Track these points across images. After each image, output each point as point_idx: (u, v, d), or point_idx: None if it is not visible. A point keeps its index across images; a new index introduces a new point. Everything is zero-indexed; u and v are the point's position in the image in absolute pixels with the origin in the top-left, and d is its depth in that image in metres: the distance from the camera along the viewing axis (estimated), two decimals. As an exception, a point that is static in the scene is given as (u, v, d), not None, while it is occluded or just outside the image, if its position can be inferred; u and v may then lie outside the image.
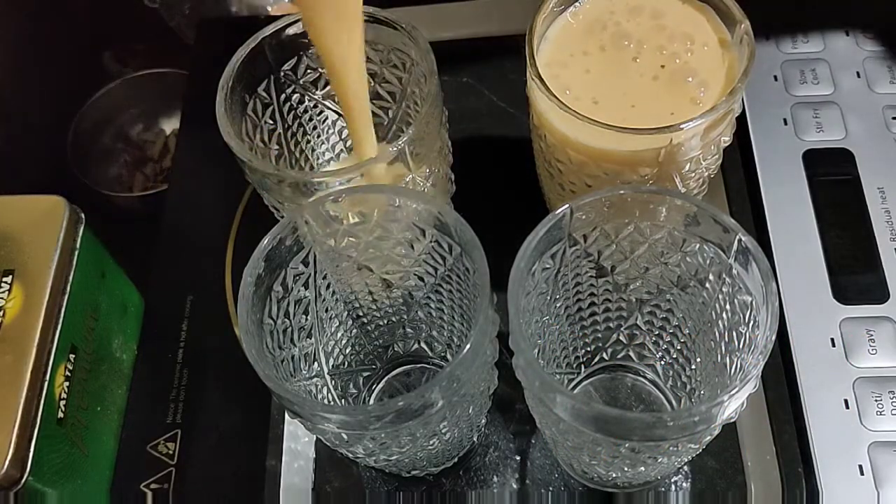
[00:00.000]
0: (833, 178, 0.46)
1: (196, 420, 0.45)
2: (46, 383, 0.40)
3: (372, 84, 0.42)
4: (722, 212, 0.33)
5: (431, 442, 0.36)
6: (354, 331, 0.42)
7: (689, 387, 0.40)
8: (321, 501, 0.43)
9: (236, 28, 0.60)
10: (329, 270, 0.38)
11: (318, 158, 0.45)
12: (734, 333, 0.34)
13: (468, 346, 0.31)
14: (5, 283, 0.42)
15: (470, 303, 0.37)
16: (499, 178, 0.49)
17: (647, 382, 0.43)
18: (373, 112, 0.39)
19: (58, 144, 0.68)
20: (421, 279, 0.39)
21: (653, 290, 0.38)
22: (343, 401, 0.42)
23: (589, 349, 0.42)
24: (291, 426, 0.43)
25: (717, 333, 0.36)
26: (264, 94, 0.41)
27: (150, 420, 0.45)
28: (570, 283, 0.37)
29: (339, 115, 0.43)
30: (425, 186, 0.40)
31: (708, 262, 0.34)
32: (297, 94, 0.42)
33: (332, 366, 0.40)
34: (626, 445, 0.32)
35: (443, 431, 0.36)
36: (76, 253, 0.44)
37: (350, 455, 0.36)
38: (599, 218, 0.34)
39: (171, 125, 0.71)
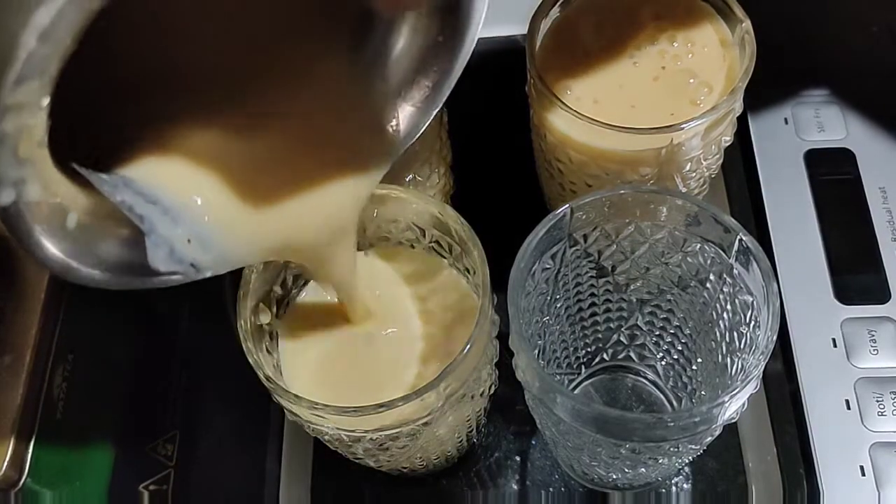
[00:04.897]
0: (834, 177, 0.46)
1: (195, 421, 0.45)
2: (45, 384, 0.40)
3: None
4: (723, 212, 0.33)
5: (431, 443, 0.36)
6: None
7: (689, 387, 0.40)
8: (320, 502, 0.43)
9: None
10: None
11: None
12: (735, 334, 0.34)
13: (468, 346, 0.31)
14: (4, 283, 0.42)
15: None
16: (499, 178, 0.49)
17: (647, 383, 0.43)
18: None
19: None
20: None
21: (653, 290, 0.38)
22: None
23: (589, 349, 0.42)
24: (291, 426, 0.43)
25: (717, 334, 0.36)
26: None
27: (149, 421, 0.45)
28: (570, 284, 0.37)
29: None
30: (425, 186, 0.40)
31: (709, 262, 0.34)
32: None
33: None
34: (627, 446, 0.32)
35: (442, 432, 0.36)
36: (75, 253, 0.44)
37: (349, 455, 0.36)
38: (600, 218, 0.34)
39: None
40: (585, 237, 0.35)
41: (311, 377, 0.35)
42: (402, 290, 0.37)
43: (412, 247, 0.38)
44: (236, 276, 0.35)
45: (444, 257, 0.37)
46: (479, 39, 0.54)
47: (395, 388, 0.34)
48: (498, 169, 0.49)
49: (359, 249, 0.38)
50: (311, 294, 0.37)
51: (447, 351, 0.35)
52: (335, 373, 0.35)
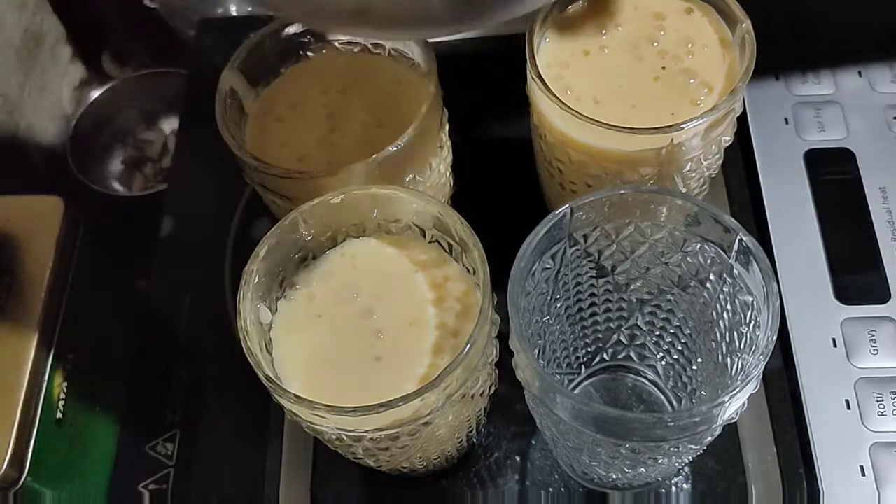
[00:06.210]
0: (834, 177, 0.46)
1: (195, 420, 0.45)
2: (45, 383, 0.40)
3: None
4: (723, 212, 0.33)
5: (431, 443, 0.36)
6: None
7: (689, 387, 0.40)
8: (320, 502, 0.43)
9: (236, 27, 0.60)
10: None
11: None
12: (735, 334, 0.34)
13: (468, 347, 0.31)
14: (5, 282, 0.42)
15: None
16: (499, 178, 0.49)
17: (647, 383, 0.43)
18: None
19: (58, 144, 0.68)
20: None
21: (653, 290, 0.38)
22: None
23: (589, 349, 0.42)
24: (291, 426, 0.43)
25: (717, 334, 0.36)
26: (263, 92, 0.41)
27: (149, 420, 0.45)
28: (570, 284, 0.37)
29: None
30: (425, 186, 0.40)
31: (709, 262, 0.34)
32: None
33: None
34: (627, 446, 0.32)
35: (442, 432, 0.36)
36: (75, 253, 0.44)
37: (349, 455, 0.36)
38: (600, 218, 0.34)
39: (170, 125, 0.71)
40: (585, 237, 0.35)
41: (310, 375, 0.35)
42: (410, 279, 0.37)
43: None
44: (236, 274, 0.35)
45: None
46: (479, 39, 0.54)
47: (396, 384, 0.34)
48: (498, 169, 0.49)
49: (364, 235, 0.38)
50: (307, 291, 0.37)
51: (453, 345, 0.35)
52: (335, 370, 0.35)
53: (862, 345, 0.41)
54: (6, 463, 0.38)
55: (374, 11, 0.28)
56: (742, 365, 0.33)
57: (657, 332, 0.40)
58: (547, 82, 0.37)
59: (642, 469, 0.36)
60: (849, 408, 0.40)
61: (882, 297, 0.42)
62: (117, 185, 0.69)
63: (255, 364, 0.32)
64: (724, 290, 0.34)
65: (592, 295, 0.38)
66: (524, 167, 0.46)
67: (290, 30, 0.41)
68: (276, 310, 0.36)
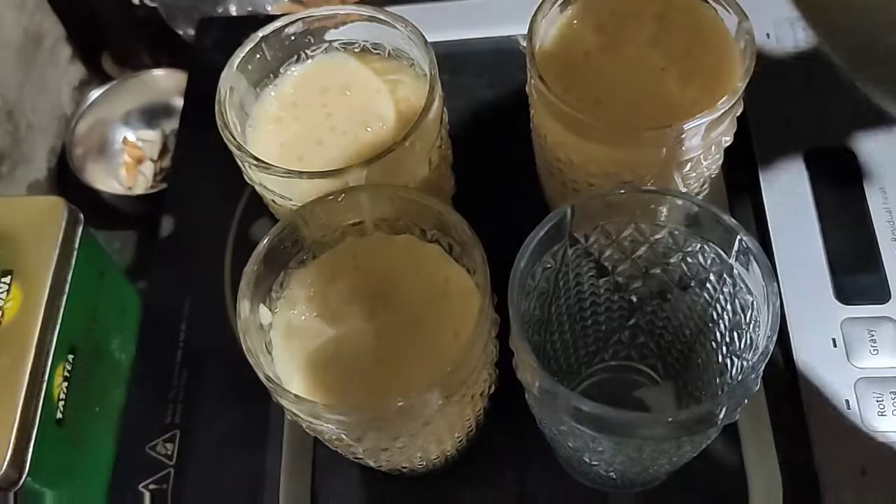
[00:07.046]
0: (834, 177, 0.46)
1: (195, 420, 0.45)
2: (45, 384, 0.40)
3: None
4: (723, 212, 0.33)
5: (431, 443, 0.36)
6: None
7: (689, 387, 0.40)
8: (320, 502, 0.43)
9: (236, 27, 0.60)
10: (329, 270, 0.38)
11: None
12: (735, 334, 0.34)
13: (468, 346, 0.31)
14: (4, 283, 0.42)
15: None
16: (499, 178, 0.49)
17: (647, 383, 0.43)
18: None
19: (57, 144, 0.68)
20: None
21: (653, 290, 0.38)
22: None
23: (590, 349, 0.42)
24: (291, 426, 0.43)
25: (717, 334, 0.36)
26: (263, 92, 0.41)
27: (149, 420, 0.45)
28: (570, 283, 0.37)
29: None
30: (425, 186, 0.40)
31: (709, 262, 0.34)
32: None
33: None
34: (627, 446, 0.32)
35: (443, 432, 0.36)
36: (75, 253, 0.44)
37: (349, 455, 0.36)
38: (600, 218, 0.34)
39: (171, 125, 0.71)
40: (586, 237, 0.35)
41: (310, 375, 0.35)
42: (410, 279, 0.37)
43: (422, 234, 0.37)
44: (236, 274, 0.35)
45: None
46: (479, 39, 0.54)
47: (396, 385, 0.34)
48: (498, 169, 0.49)
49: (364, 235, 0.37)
50: (307, 291, 0.37)
51: (453, 345, 0.35)
52: (335, 371, 0.35)
53: (862, 345, 0.41)
54: (6, 463, 0.38)
55: None
56: (742, 365, 0.33)
57: (657, 332, 0.40)
58: (547, 82, 0.37)
59: (642, 469, 0.36)
60: (849, 408, 0.40)
61: (882, 297, 0.42)
62: (117, 185, 0.69)
63: (255, 364, 0.32)
64: (724, 290, 0.34)
65: (593, 294, 0.38)
66: (524, 167, 0.46)
67: (290, 30, 0.41)
68: (276, 310, 0.36)
